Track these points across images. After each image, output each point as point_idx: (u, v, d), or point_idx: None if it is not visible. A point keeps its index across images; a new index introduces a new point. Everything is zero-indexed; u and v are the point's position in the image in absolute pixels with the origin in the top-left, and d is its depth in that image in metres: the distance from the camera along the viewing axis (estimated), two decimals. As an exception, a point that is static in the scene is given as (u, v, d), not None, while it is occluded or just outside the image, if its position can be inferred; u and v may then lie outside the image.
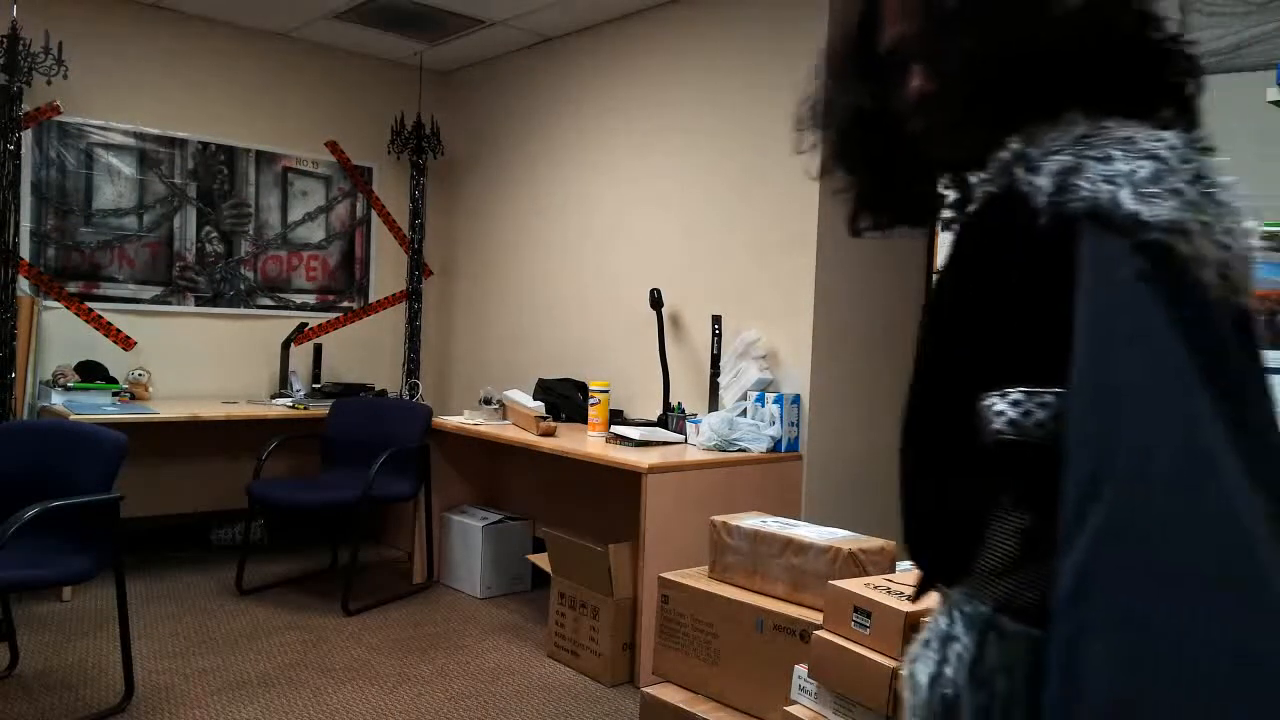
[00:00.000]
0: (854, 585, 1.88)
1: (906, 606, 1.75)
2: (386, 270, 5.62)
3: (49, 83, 4.30)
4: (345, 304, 5.49)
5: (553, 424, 3.99)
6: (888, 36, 0.96)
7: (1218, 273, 0.78)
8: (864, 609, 1.80)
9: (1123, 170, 0.79)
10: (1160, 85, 0.88)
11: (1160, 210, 0.77)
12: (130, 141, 4.74)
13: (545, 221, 5.01)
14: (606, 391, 4.01)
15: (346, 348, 5.43)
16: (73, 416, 3.89)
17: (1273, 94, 2.42)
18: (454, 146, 5.63)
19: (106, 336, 4.68)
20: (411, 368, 5.61)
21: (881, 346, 4.08)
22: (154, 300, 4.85)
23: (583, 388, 4.46)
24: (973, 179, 0.93)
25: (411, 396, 5.44)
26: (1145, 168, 0.79)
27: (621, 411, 4.31)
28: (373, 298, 5.58)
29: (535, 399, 4.36)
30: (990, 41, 0.85)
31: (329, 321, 5.40)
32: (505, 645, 3.73)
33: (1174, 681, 0.64)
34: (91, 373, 4.48)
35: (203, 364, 4.96)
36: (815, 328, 3.79)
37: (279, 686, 3.23)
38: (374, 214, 5.58)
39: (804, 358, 3.80)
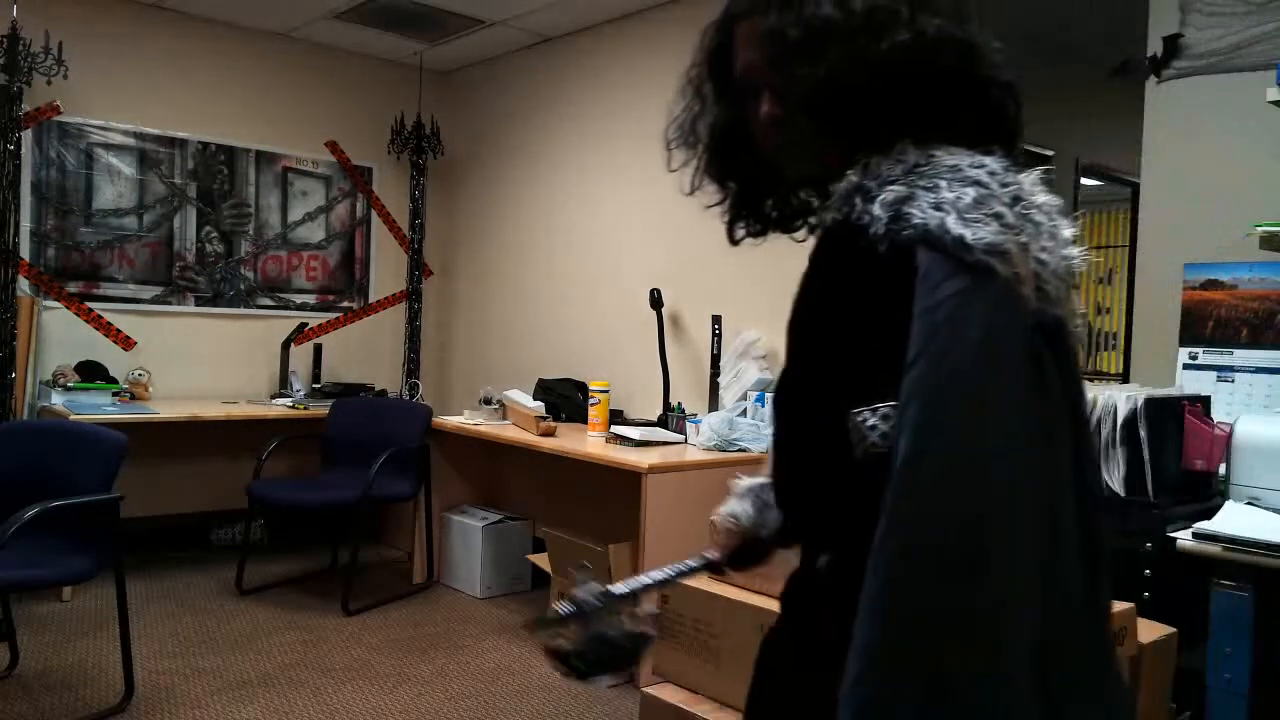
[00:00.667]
0: (854, 585, 1.88)
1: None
2: (386, 270, 5.62)
3: (49, 83, 4.29)
4: (345, 304, 5.49)
5: (553, 424, 3.99)
6: (740, 62, 1.03)
7: (1035, 287, 0.86)
8: (864, 609, 1.80)
9: (948, 198, 0.87)
10: (983, 114, 0.97)
11: (981, 233, 0.85)
12: (130, 141, 4.74)
13: (545, 221, 5.01)
14: (606, 391, 4.01)
15: (346, 348, 5.43)
16: (73, 416, 3.89)
17: (1273, 94, 2.41)
18: (454, 146, 5.63)
19: (106, 336, 4.68)
20: (411, 368, 5.61)
21: (881, 346, 4.08)
22: (154, 300, 4.84)
23: (583, 388, 4.46)
24: (821, 203, 1.02)
25: (411, 396, 5.44)
26: (969, 194, 0.87)
27: (621, 411, 4.31)
28: (373, 298, 5.58)
29: (535, 399, 4.36)
30: (827, 73, 0.92)
31: (329, 321, 5.40)
32: (505, 645, 3.73)
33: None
34: (91, 373, 4.47)
35: (203, 364, 4.96)
36: (815, 328, 3.79)
37: (279, 686, 3.23)
38: (374, 214, 5.58)
39: (804, 358, 3.79)
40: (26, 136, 4.40)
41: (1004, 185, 0.89)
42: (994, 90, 0.98)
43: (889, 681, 0.80)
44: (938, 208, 0.87)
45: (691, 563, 1.28)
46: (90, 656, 3.40)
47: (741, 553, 1.31)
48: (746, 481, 1.29)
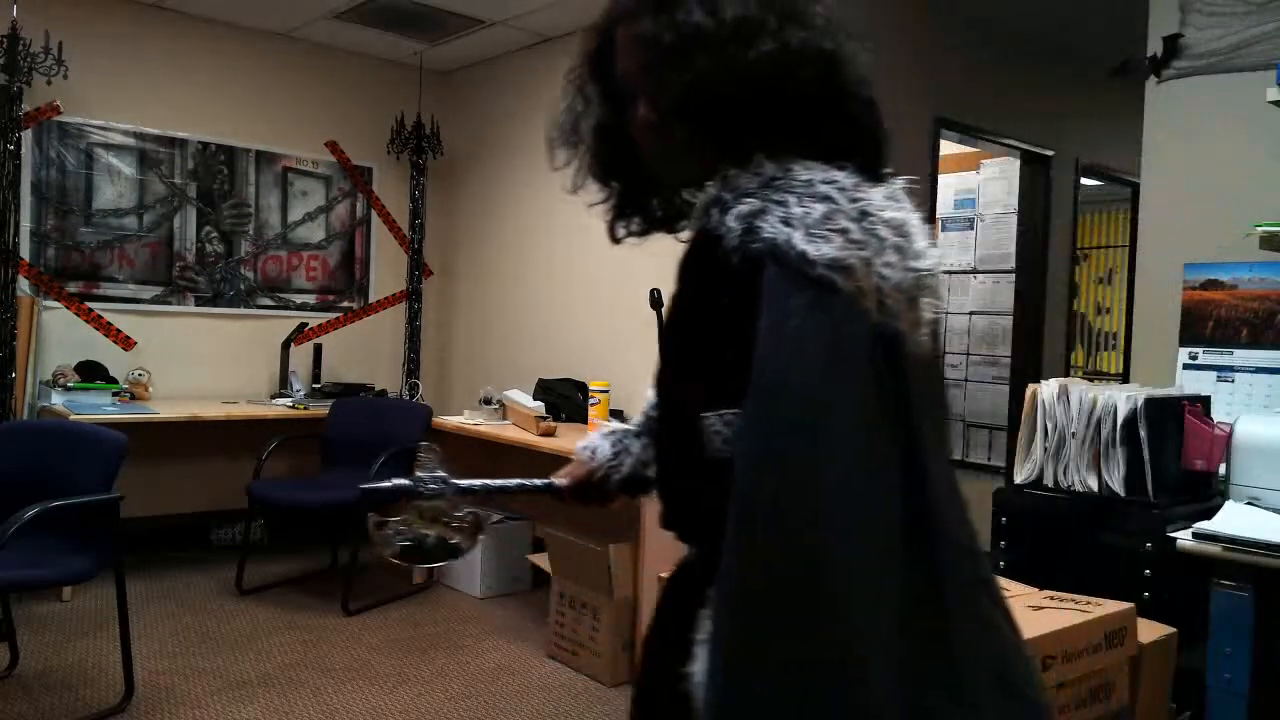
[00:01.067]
0: (854, 585, 1.88)
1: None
2: (386, 270, 5.62)
3: (49, 83, 4.29)
4: (345, 304, 5.49)
5: (553, 424, 3.99)
6: (619, 66, 1.05)
7: (876, 300, 0.88)
8: (864, 609, 1.80)
9: (797, 214, 0.90)
10: (845, 127, 1.00)
11: (825, 249, 0.88)
12: (130, 141, 4.74)
13: (545, 221, 5.01)
14: (606, 391, 4.01)
15: (346, 348, 5.43)
16: (73, 416, 3.88)
17: (1273, 94, 2.41)
18: (454, 146, 5.62)
19: (106, 336, 4.68)
20: (411, 368, 5.60)
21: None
22: (154, 300, 4.84)
23: (583, 388, 4.45)
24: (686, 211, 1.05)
25: (411, 396, 5.43)
26: (817, 210, 0.90)
27: (621, 411, 4.30)
28: (373, 298, 5.58)
29: (535, 399, 4.36)
30: (695, 79, 0.95)
31: (329, 321, 5.40)
32: (505, 645, 3.73)
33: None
34: (91, 373, 4.47)
35: (203, 364, 4.96)
36: (815, 328, 3.79)
37: (279, 686, 3.23)
38: (374, 214, 5.57)
39: (804, 358, 3.79)
40: (26, 136, 4.40)
41: (853, 201, 0.92)
42: (855, 104, 1.02)
43: None
44: (786, 223, 0.90)
45: (537, 482, 1.32)
46: (90, 656, 3.40)
47: (587, 487, 1.34)
48: (614, 424, 1.35)
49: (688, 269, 1.03)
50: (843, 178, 0.94)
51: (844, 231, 0.89)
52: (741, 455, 0.87)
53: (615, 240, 1.19)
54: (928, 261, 0.96)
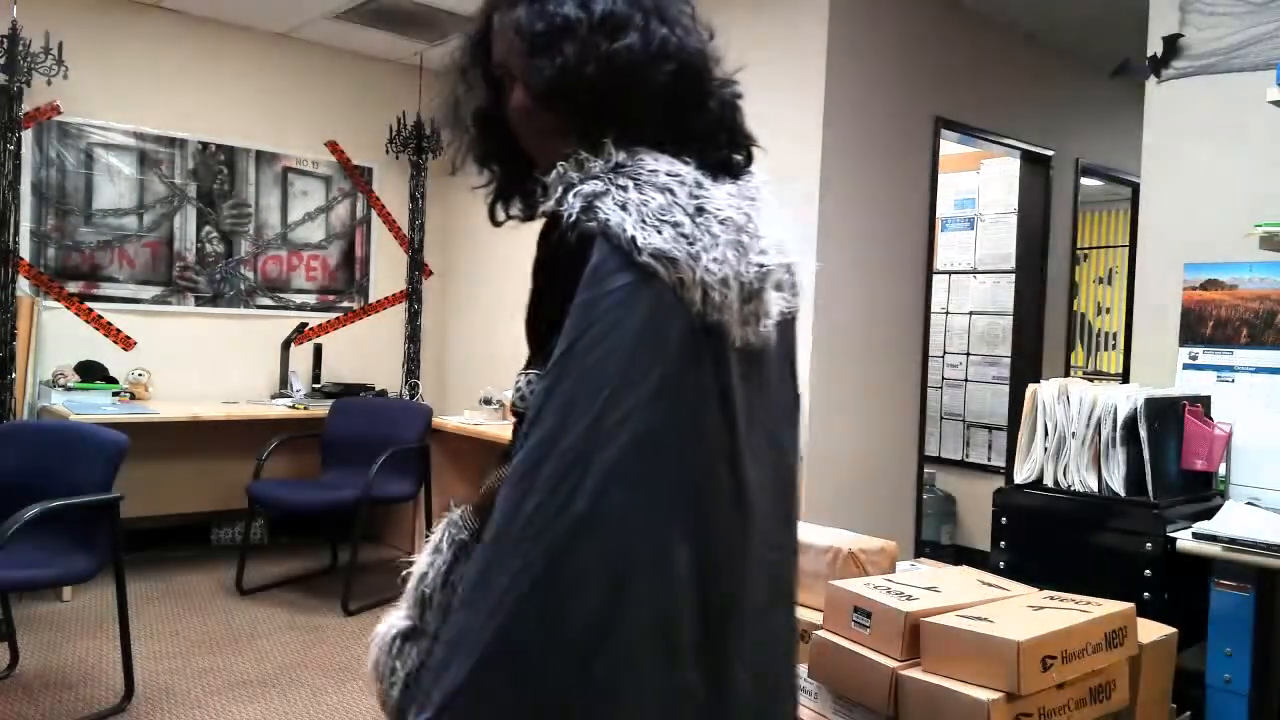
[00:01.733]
0: (854, 585, 1.88)
1: (907, 607, 1.75)
2: (386, 270, 5.62)
3: (49, 83, 4.29)
4: (345, 304, 5.49)
5: (553, 424, 3.98)
6: (495, 52, 1.08)
7: (700, 294, 0.92)
8: (864, 609, 1.80)
9: (634, 199, 0.93)
10: (703, 123, 1.04)
11: (653, 239, 0.91)
12: (130, 141, 4.74)
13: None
14: (606, 391, 4.00)
15: (346, 348, 5.43)
16: (73, 416, 3.89)
17: (1273, 94, 2.41)
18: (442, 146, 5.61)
19: (106, 336, 4.68)
20: (411, 368, 5.60)
21: (881, 346, 4.08)
22: (154, 300, 4.84)
23: (583, 388, 4.45)
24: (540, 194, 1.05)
25: (411, 396, 5.43)
26: (655, 200, 0.94)
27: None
28: (373, 298, 5.58)
29: (535, 399, 4.35)
30: (561, 65, 1.00)
31: (329, 321, 5.40)
32: (505, 645, 3.72)
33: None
34: (91, 373, 4.47)
35: (203, 364, 4.95)
36: (815, 328, 3.79)
37: (279, 686, 3.23)
38: (374, 214, 5.57)
39: (804, 358, 3.80)
40: (26, 136, 4.40)
41: (692, 196, 0.96)
42: (715, 102, 1.06)
43: None
44: (623, 207, 0.93)
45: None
46: (90, 656, 3.40)
47: None
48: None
49: (539, 245, 1.04)
50: (686, 172, 0.98)
51: (676, 225, 0.93)
52: (530, 419, 0.91)
53: (495, 223, 1.20)
54: (773, 258, 1.01)
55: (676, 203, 0.95)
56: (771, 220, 1.05)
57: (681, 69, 1.02)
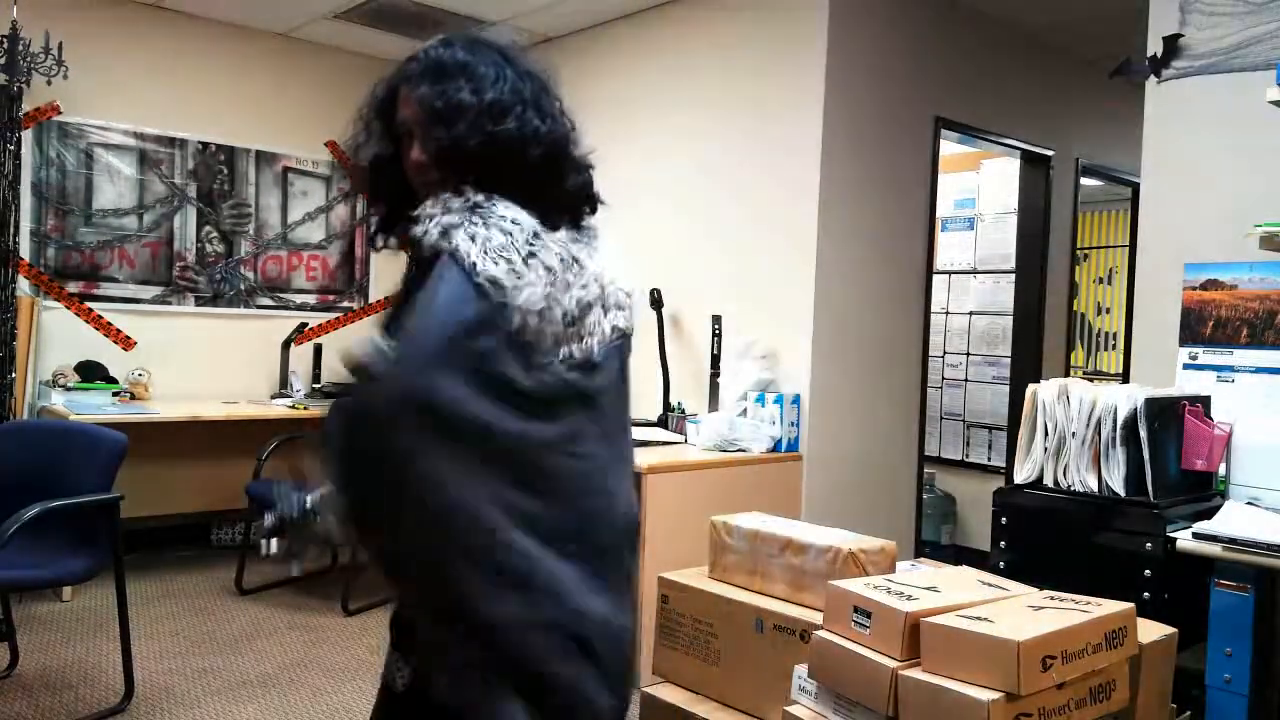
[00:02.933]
0: (854, 585, 1.88)
1: (907, 607, 1.75)
2: (386, 270, 5.61)
3: (49, 83, 4.29)
4: (345, 304, 5.49)
5: (553, 424, 3.99)
6: (400, 115, 1.34)
7: (518, 317, 1.20)
8: (864, 609, 1.80)
9: (481, 234, 1.21)
10: (557, 192, 1.34)
11: (490, 268, 1.19)
12: (130, 141, 4.74)
13: (545, 221, 5.00)
14: (606, 391, 4.00)
15: (347, 348, 5.42)
16: (73, 416, 3.89)
17: (1273, 94, 2.41)
18: (454, 146, 5.63)
19: (106, 336, 4.68)
20: (411, 368, 5.60)
21: (881, 346, 4.08)
22: (154, 300, 4.84)
23: (583, 388, 4.45)
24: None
25: (411, 396, 5.43)
26: (495, 237, 1.22)
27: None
28: (373, 297, 5.58)
29: (535, 399, 4.35)
30: (452, 138, 1.28)
31: (329, 321, 5.40)
32: (505, 645, 3.72)
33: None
34: (91, 373, 4.48)
35: (203, 364, 4.95)
36: (815, 328, 3.79)
37: (279, 686, 3.23)
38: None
39: (804, 358, 3.80)
40: (26, 136, 4.40)
41: (527, 243, 1.24)
42: (570, 176, 1.36)
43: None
44: (472, 239, 1.21)
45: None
46: (90, 656, 3.41)
47: None
48: None
49: (408, 262, 1.34)
50: (527, 222, 1.26)
51: (510, 261, 1.21)
52: (365, 358, 1.21)
53: (375, 248, 1.49)
54: (591, 291, 1.30)
55: (513, 244, 1.22)
56: (601, 257, 1.36)
57: (547, 151, 1.32)
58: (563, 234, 1.32)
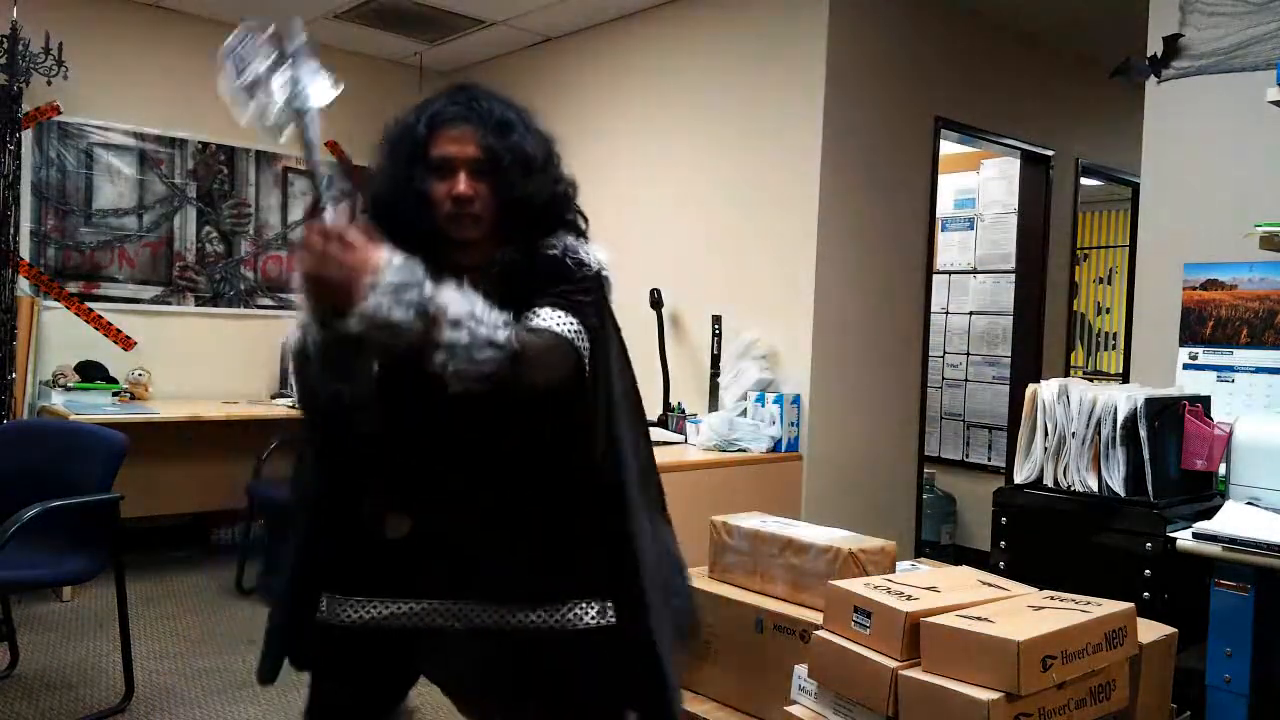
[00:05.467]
0: (854, 585, 1.88)
1: (907, 607, 1.75)
2: (386, 270, 5.61)
3: (49, 83, 4.29)
4: (345, 304, 5.48)
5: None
6: (442, 149, 1.49)
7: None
8: (864, 609, 1.80)
9: (578, 246, 1.53)
10: (571, 216, 1.60)
11: (593, 262, 1.53)
12: (130, 141, 4.74)
13: (545, 221, 5.00)
14: (606, 391, 4.00)
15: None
16: (73, 416, 3.88)
17: (1273, 94, 2.41)
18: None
19: (106, 336, 4.68)
20: (411, 368, 5.60)
21: (881, 346, 4.08)
22: (154, 300, 4.84)
23: (583, 388, 4.45)
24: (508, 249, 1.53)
25: (411, 396, 5.43)
26: (589, 250, 1.54)
27: (621, 411, 4.30)
28: (373, 298, 5.57)
29: (535, 399, 4.35)
30: (527, 193, 1.51)
31: (329, 321, 5.39)
32: (505, 645, 3.72)
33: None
34: (91, 373, 4.47)
35: (203, 364, 4.95)
36: (815, 328, 3.79)
37: (279, 686, 3.21)
38: (374, 214, 5.57)
39: (804, 358, 3.80)
40: (26, 136, 4.40)
41: (589, 252, 1.55)
42: (573, 209, 1.61)
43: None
44: (586, 250, 1.54)
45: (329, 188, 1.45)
46: (90, 656, 3.40)
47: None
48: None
49: (525, 266, 1.51)
50: (583, 241, 1.58)
51: (598, 259, 1.55)
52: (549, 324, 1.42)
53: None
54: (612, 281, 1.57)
55: (589, 251, 1.54)
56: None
57: (569, 187, 1.60)
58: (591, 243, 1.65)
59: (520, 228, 1.51)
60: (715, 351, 4.04)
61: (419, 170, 1.49)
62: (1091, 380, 3.61)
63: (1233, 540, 2.09)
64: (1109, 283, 7.40)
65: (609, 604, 1.48)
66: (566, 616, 1.47)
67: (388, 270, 1.21)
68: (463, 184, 1.47)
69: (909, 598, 1.80)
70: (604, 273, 1.54)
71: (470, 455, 1.46)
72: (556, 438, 1.45)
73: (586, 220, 1.63)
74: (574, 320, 1.42)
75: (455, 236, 1.49)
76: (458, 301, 1.25)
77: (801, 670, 1.94)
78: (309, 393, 1.47)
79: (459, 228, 1.49)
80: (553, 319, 1.41)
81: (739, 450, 3.63)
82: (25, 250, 4.42)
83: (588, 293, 1.48)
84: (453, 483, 1.48)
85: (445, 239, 1.49)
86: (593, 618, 1.47)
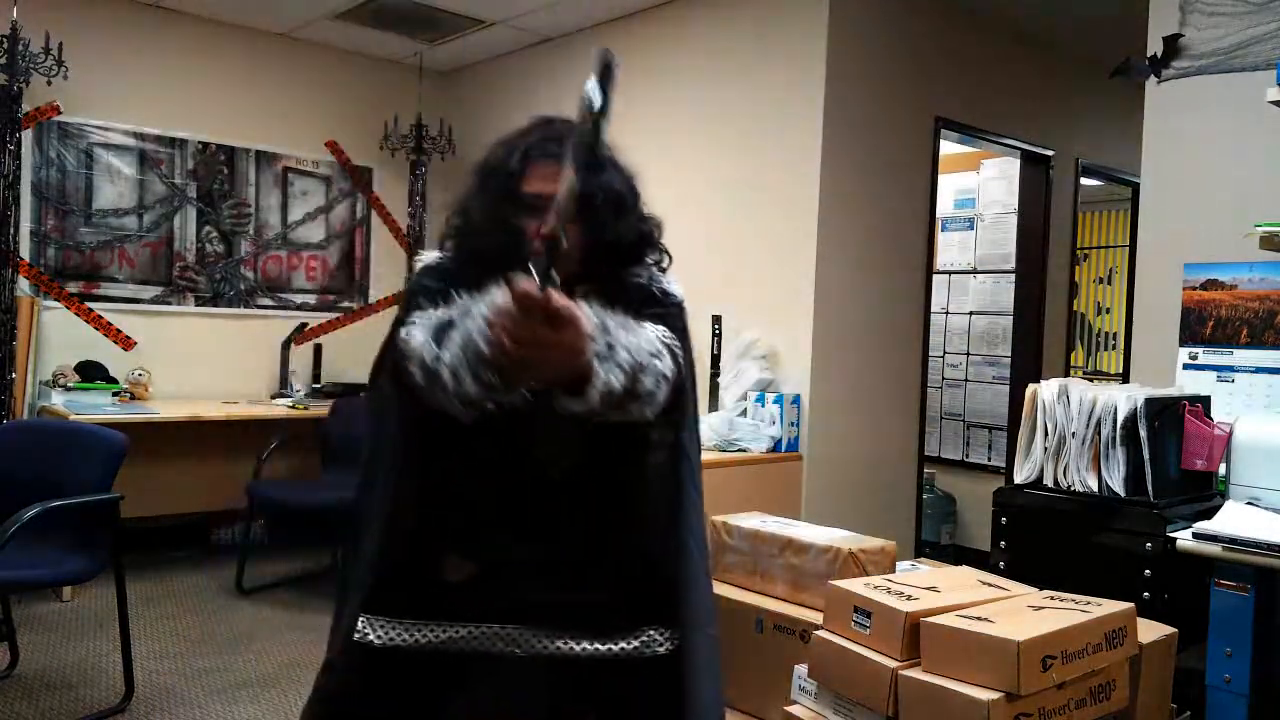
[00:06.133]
0: (854, 585, 1.88)
1: (907, 607, 1.75)
2: (386, 270, 5.62)
3: (49, 83, 4.29)
4: (345, 304, 5.49)
5: (553, 424, 3.99)
6: (536, 187, 1.44)
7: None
8: (864, 609, 1.80)
9: (660, 277, 1.57)
10: (653, 248, 1.61)
11: (676, 295, 1.56)
12: (130, 141, 4.74)
13: (545, 221, 5.00)
14: (606, 391, 4.00)
15: (346, 348, 5.43)
16: (73, 416, 3.89)
17: (1273, 94, 2.41)
18: (454, 146, 5.62)
19: (106, 336, 4.68)
20: (411, 368, 5.60)
21: (881, 346, 4.08)
22: (154, 300, 4.85)
23: (583, 388, 4.45)
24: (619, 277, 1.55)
25: (411, 396, 5.43)
26: (670, 281, 1.58)
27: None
28: (373, 297, 5.58)
29: (535, 399, 4.35)
30: (618, 231, 1.50)
31: (329, 321, 5.40)
32: (505, 645, 3.72)
33: None
34: (91, 373, 4.47)
35: (203, 364, 4.96)
36: (815, 328, 3.79)
37: (279, 686, 3.23)
38: (374, 214, 5.58)
39: (804, 358, 3.80)
40: (26, 136, 4.40)
41: (671, 281, 1.60)
42: (662, 249, 1.62)
43: None
44: (670, 283, 1.57)
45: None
46: (90, 656, 3.40)
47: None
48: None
49: (620, 296, 1.49)
50: (662, 274, 1.60)
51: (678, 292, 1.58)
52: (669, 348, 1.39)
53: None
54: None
55: (672, 282, 1.59)
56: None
57: (653, 229, 1.60)
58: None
59: (606, 267, 1.51)
60: (715, 351, 4.04)
61: (509, 206, 1.46)
62: (1091, 380, 3.61)
63: (1233, 540, 2.09)
64: (1109, 283, 7.39)
65: (677, 631, 1.46)
66: (635, 644, 1.45)
67: (598, 334, 1.21)
68: (551, 217, 1.43)
69: (909, 598, 1.80)
70: (684, 304, 1.56)
71: (593, 480, 1.45)
72: (661, 458, 1.46)
73: (670, 258, 1.63)
74: (674, 339, 1.39)
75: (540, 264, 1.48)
76: (637, 347, 1.26)
77: (801, 670, 1.94)
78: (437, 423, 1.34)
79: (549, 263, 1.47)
80: (659, 334, 1.37)
81: (739, 450, 3.63)
82: (25, 250, 4.42)
83: (677, 318, 1.51)
84: (566, 510, 1.45)
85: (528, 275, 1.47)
86: (662, 645, 1.46)
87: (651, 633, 1.46)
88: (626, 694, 1.47)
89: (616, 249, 1.51)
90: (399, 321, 1.40)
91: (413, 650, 1.45)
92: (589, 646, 1.44)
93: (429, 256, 1.56)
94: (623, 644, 1.44)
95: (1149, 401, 2.43)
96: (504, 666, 1.46)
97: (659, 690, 1.46)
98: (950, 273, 5.49)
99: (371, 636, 1.45)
